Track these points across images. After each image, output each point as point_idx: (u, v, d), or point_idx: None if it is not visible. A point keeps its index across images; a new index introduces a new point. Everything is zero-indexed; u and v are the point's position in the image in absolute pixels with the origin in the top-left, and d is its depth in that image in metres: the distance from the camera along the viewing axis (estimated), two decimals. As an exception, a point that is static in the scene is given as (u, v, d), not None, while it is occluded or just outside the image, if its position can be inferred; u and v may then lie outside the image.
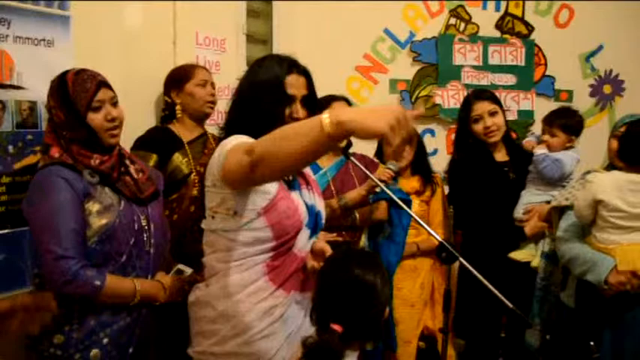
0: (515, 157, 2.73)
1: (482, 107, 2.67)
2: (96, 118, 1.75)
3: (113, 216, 1.74)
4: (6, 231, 1.97)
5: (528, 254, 2.62)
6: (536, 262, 2.59)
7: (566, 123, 2.61)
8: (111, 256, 1.75)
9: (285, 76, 1.65)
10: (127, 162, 1.89)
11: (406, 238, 2.70)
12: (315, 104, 1.73)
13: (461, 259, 1.81)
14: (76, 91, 1.73)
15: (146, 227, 1.84)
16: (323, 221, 1.82)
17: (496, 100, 2.74)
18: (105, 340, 1.74)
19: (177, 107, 2.39)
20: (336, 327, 1.31)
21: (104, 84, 1.79)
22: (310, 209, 1.72)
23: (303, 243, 1.68)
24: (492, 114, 2.67)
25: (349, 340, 1.35)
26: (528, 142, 2.74)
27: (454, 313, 2.74)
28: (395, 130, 1.18)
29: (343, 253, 1.57)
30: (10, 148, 1.99)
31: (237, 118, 1.69)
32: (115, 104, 1.82)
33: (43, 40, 2.08)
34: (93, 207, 1.72)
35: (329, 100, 2.74)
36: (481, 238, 2.64)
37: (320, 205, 1.80)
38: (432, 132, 3.73)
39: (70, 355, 1.70)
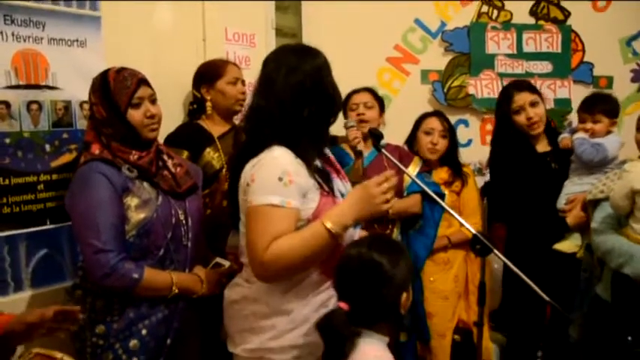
0: (557, 147, 2.67)
1: (523, 98, 2.63)
2: (135, 115, 1.80)
3: (151, 210, 1.78)
4: (45, 227, 2.04)
5: (573, 245, 2.55)
6: (581, 252, 2.52)
7: (608, 107, 2.53)
8: (149, 250, 1.79)
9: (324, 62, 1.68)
10: (165, 157, 1.93)
11: (437, 231, 2.67)
12: None
13: (495, 251, 1.78)
14: (117, 89, 1.78)
15: (183, 221, 1.87)
16: None
17: (536, 90, 2.70)
18: (143, 332, 1.79)
19: (208, 103, 2.41)
20: (342, 304, 1.34)
21: (144, 82, 1.84)
22: None
23: (350, 234, 1.66)
24: (533, 104, 2.63)
25: (359, 319, 1.36)
26: (564, 139, 2.65)
27: (498, 307, 2.71)
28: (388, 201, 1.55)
29: (363, 237, 1.60)
30: (47, 147, 2.05)
31: (289, 120, 1.61)
32: (153, 102, 1.87)
33: (76, 40, 2.13)
34: (132, 201, 1.77)
35: (348, 96, 2.73)
36: (526, 230, 2.60)
37: None
38: (465, 122, 3.66)
39: (111, 344, 1.75)
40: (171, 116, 2.51)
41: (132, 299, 1.76)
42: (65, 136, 2.09)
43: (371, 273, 1.37)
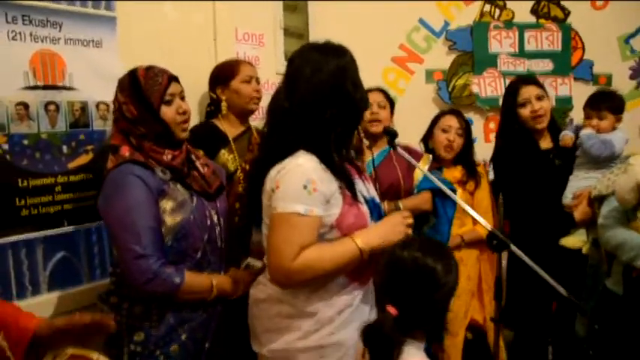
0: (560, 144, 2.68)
1: (529, 91, 2.65)
2: (169, 112, 1.76)
3: (187, 213, 1.73)
4: (63, 230, 2.01)
5: (579, 241, 2.56)
6: (587, 248, 2.54)
7: (614, 104, 2.56)
8: (187, 253, 1.74)
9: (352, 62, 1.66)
10: (193, 157, 1.89)
11: (450, 228, 2.68)
12: None
13: (512, 246, 1.79)
14: (148, 85, 1.74)
15: (217, 222, 1.84)
16: (382, 212, 1.80)
17: (542, 86, 2.72)
18: (183, 336, 1.75)
19: (223, 104, 2.39)
20: (391, 309, 1.30)
21: (174, 78, 1.81)
22: (371, 203, 1.71)
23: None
24: (539, 98, 2.65)
25: (406, 325, 1.33)
26: (566, 136, 2.65)
27: (504, 304, 2.72)
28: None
29: (410, 238, 1.57)
30: (65, 148, 2.03)
31: (313, 123, 1.58)
32: (183, 98, 1.83)
33: (92, 40, 2.11)
34: (167, 204, 1.71)
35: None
36: (529, 226, 2.61)
37: (376, 196, 1.78)
38: (469, 120, 3.67)
39: (151, 351, 1.71)
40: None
41: (171, 304, 1.72)
42: (82, 137, 2.07)
43: (426, 279, 1.33)
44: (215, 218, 1.83)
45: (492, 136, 3.00)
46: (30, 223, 1.92)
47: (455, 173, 2.84)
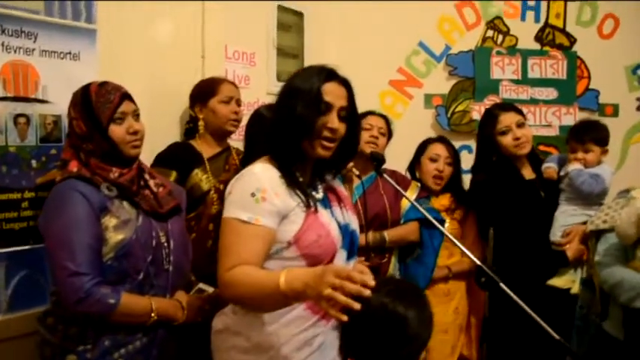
0: (542, 175, 2.57)
1: (509, 118, 2.52)
2: (118, 131, 1.71)
3: (130, 231, 1.69)
4: (28, 247, 1.94)
5: (568, 280, 2.45)
6: (576, 288, 2.42)
7: (599, 136, 2.45)
8: (127, 274, 1.69)
9: (322, 83, 1.51)
10: (147, 176, 1.84)
11: (436, 260, 2.56)
12: (355, 118, 1.60)
13: (502, 284, 1.67)
14: (99, 103, 1.70)
15: (165, 244, 1.78)
16: (358, 240, 1.70)
17: (520, 112, 2.60)
18: None
19: (200, 123, 2.34)
20: None
21: (127, 97, 1.76)
22: (344, 229, 1.61)
23: (341, 263, 1.56)
24: (520, 125, 2.53)
25: None
26: (549, 169, 2.54)
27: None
28: (332, 295, 1.17)
29: (381, 279, 1.44)
30: (34, 163, 1.97)
31: (273, 126, 1.57)
32: (137, 117, 1.79)
33: (69, 53, 2.07)
34: (110, 222, 1.67)
35: (365, 115, 2.65)
36: (515, 263, 2.46)
37: (354, 224, 1.69)
38: (469, 148, 3.57)
39: None
40: (167, 134, 2.44)
41: (108, 326, 1.65)
42: (53, 152, 2.00)
43: (395, 329, 1.16)
44: (163, 239, 1.76)
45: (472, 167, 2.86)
46: (-8, 239, 1.84)
47: (443, 201, 2.74)
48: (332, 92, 1.52)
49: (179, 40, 2.52)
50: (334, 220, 1.59)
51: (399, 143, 3.17)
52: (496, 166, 2.55)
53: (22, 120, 1.93)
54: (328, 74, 1.54)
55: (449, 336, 2.63)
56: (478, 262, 1.69)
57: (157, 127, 2.39)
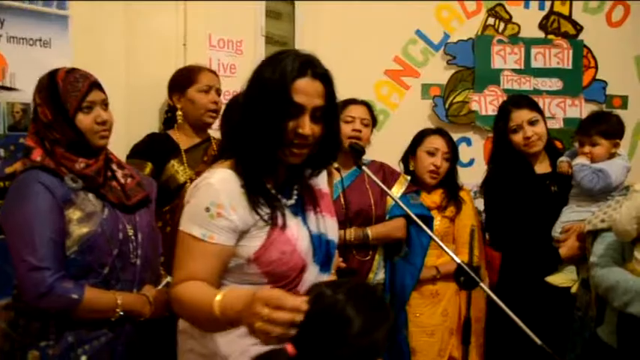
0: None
1: (520, 116, 2.45)
2: (85, 120, 1.66)
3: (95, 224, 1.64)
4: (-6, 238, 1.91)
5: (568, 279, 2.34)
6: (576, 287, 2.31)
7: (607, 128, 2.32)
8: (92, 268, 1.64)
9: (293, 79, 1.31)
10: (115, 167, 1.79)
11: (424, 259, 2.47)
12: (333, 118, 1.41)
13: (482, 284, 1.60)
14: (66, 90, 1.64)
15: (132, 237, 1.73)
16: (334, 250, 1.58)
17: (536, 107, 2.51)
18: (83, 358, 1.63)
19: (178, 113, 2.28)
20: (289, 347, 1.08)
21: (96, 85, 1.71)
22: (316, 240, 1.48)
23: (313, 280, 1.43)
24: (532, 122, 2.44)
25: None
26: (563, 163, 2.44)
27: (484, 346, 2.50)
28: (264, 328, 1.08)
29: (343, 280, 1.36)
30: (1, 152, 1.93)
31: (236, 126, 1.40)
32: (105, 107, 1.73)
33: (39, 40, 2.02)
34: (74, 214, 1.62)
35: (345, 104, 2.55)
36: (520, 259, 2.41)
37: (331, 231, 1.55)
38: (467, 141, 3.47)
39: None
40: (146, 126, 2.39)
41: (71, 321, 1.60)
42: (22, 140, 1.94)
43: (336, 328, 1.09)
44: (130, 232, 1.71)
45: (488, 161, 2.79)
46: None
47: (434, 197, 2.64)
48: (304, 91, 1.32)
49: (159, 27, 2.46)
50: (306, 229, 1.46)
51: (394, 135, 3.09)
52: (508, 159, 2.48)
53: (-12, 108, 1.90)
54: (302, 66, 1.33)
55: (435, 339, 2.54)
56: (458, 261, 1.62)
57: (136, 118, 2.35)
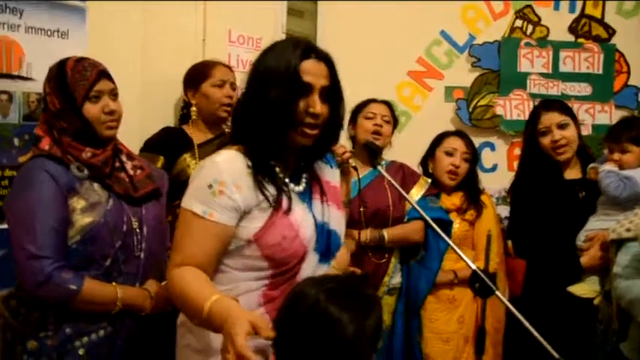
0: None
1: (550, 118, 2.37)
2: (92, 109, 1.65)
3: (99, 215, 1.62)
4: (6, 226, 1.91)
5: (590, 290, 2.24)
6: (599, 299, 2.21)
7: (638, 134, 2.22)
8: (94, 259, 1.62)
9: (300, 61, 1.35)
10: (124, 158, 1.77)
11: (440, 263, 2.40)
12: (338, 97, 1.44)
13: (498, 292, 1.53)
14: (74, 79, 1.63)
15: (137, 229, 1.70)
16: (341, 240, 1.56)
17: (567, 111, 2.43)
18: (81, 351, 1.61)
19: (193, 108, 2.26)
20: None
21: (105, 74, 1.69)
22: (320, 228, 1.46)
23: (312, 269, 1.43)
24: (562, 126, 2.36)
25: None
26: (592, 169, 2.36)
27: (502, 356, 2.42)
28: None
29: (326, 276, 1.31)
30: (16, 141, 1.95)
31: (244, 114, 1.42)
32: (114, 97, 1.71)
33: (57, 31, 2.03)
34: (77, 204, 1.60)
35: (367, 103, 2.52)
36: (546, 267, 2.32)
37: (336, 223, 1.53)
38: (491, 146, 3.38)
39: None
40: (160, 121, 2.37)
41: (70, 313, 1.59)
42: (36, 130, 1.97)
43: (323, 330, 1.05)
44: (135, 225, 1.69)
45: (517, 164, 2.70)
46: (-31, 216, 1.82)
47: (454, 199, 2.57)
48: (311, 71, 1.36)
49: (177, 22, 2.45)
50: (311, 216, 1.45)
51: (415, 137, 3.02)
52: (537, 163, 2.41)
53: (3, 97, 1.91)
54: (305, 50, 1.37)
55: (450, 346, 2.46)
56: (473, 266, 1.55)
57: (151, 113, 2.35)
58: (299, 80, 1.34)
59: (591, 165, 2.39)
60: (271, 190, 1.39)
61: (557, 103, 2.49)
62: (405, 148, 2.77)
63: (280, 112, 1.33)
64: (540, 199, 2.34)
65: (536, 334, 1.47)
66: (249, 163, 1.38)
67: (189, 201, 1.37)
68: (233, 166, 1.37)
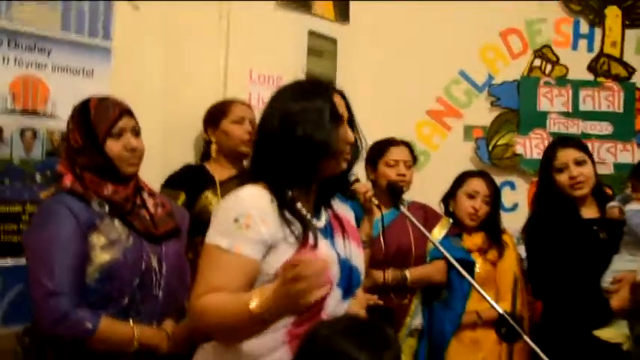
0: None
1: (567, 155, 2.34)
2: (115, 146, 1.65)
3: (118, 252, 1.60)
4: (23, 261, 1.90)
5: (619, 334, 2.17)
6: (629, 345, 2.14)
7: None
8: (111, 297, 1.60)
9: (332, 95, 1.43)
10: (145, 195, 1.77)
11: (465, 305, 2.35)
12: (355, 127, 1.50)
13: (526, 337, 1.49)
14: (97, 116, 1.65)
15: (156, 268, 1.68)
16: (361, 277, 1.54)
17: (584, 148, 2.41)
18: None
19: (213, 146, 2.28)
20: None
21: (127, 112, 1.71)
22: (343, 264, 1.45)
23: (334, 306, 1.41)
24: (579, 163, 2.33)
25: None
26: (612, 208, 2.31)
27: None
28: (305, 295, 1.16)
29: (342, 316, 1.29)
30: (38, 177, 1.96)
31: (271, 150, 1.43)
32: (136, 134, 1.72)
33: (82, 69, 2.07)
34: (98, 240, 1.59)
35: (386, 146, 2.49)
36: (564, 310, 2.26)
37: (357, 259, 1.52)
38: (511, 185, 3.35)
39: None
40: (182, 158, 2.39)
41: (85, 352, 1.55)
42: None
43: None
44: (154, 263, 1.67)
45: (530, 203, 2.67)
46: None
47: (476, 239, 2.54)
48: (339, 104, 1.44)
49: (201, 61, 2.49)
50: (335, 252, 1.44)
51: (434, 177, 3.01)
52: (552, 201, 2.37)
53: (28, 134, 1.94)
54: (329, 87, 1.47)
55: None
56: (500, 311, 1.53)
57: (173, 151, 2.37)
58: (337, 114, 1.41)
59: (611, 204, 2.34)
60: (297, 225, 1.39)
61: (574, 140, 2.48)
62: (424, 187, 2.74)
63: (326, 144, 1.37)
64: (558, 239, 2.29)
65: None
66: (272, 198, 1.38)
67: (214, 236, 1.35)
68: (258, 200, 1.37)
